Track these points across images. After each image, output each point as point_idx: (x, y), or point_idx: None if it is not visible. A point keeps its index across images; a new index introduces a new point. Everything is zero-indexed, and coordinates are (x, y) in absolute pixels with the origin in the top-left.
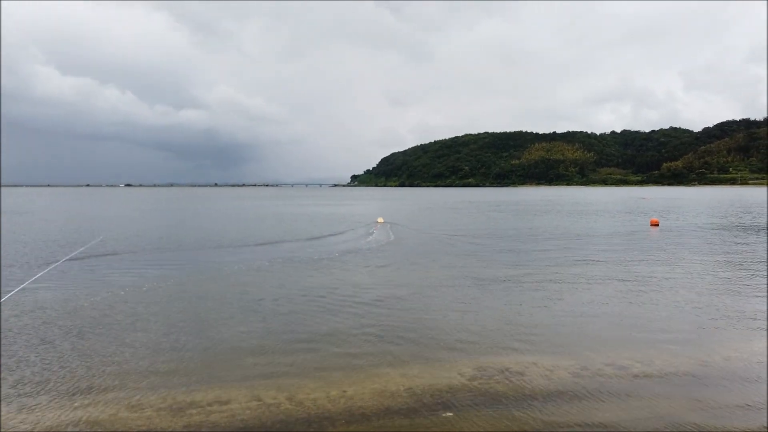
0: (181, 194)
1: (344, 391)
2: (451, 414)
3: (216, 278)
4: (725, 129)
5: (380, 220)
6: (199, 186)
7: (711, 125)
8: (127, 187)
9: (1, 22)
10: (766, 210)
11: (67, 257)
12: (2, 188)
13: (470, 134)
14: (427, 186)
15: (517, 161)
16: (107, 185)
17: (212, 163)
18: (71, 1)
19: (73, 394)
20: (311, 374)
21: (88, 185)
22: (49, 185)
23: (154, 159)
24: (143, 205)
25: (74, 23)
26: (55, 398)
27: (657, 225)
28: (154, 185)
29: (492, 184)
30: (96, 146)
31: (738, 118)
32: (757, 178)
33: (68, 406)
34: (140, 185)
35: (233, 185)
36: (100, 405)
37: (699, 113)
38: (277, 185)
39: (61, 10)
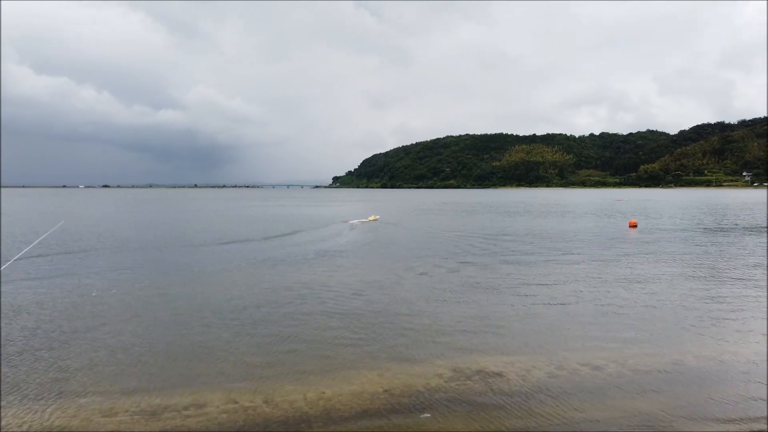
0: (160, 195)
1: (322, 393)
2: (428, 415)
3: (191, 279)
4: (700, 132)
5: (372, 217)
6: (178, 187)
7: (686, 128)
8: (105, 188)
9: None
10: (737, 212)
11: (21, 253)
12: None
13: (451, 136)
14: (409, 187)
15: (498, 163)
16: (84, 186)
17: (192, 164)
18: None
19: (44, 399)
20: (288, 376)
21: (64, 186)
22: (24, 186)
23: (133, 160)
24: (120, 205)
25: (49, 22)
26: (24, 403)
27: (635, 226)
28: (133, 186)
29: (473, 186)
30: (72, 147)
31: (710, 121)
32: (731, 180)
33: (39, 411)
34: (118, 186)
35: (213, 186)
36: (72, 410)
37: (673, 116)
38: (258, 186)
39: (35, 8)
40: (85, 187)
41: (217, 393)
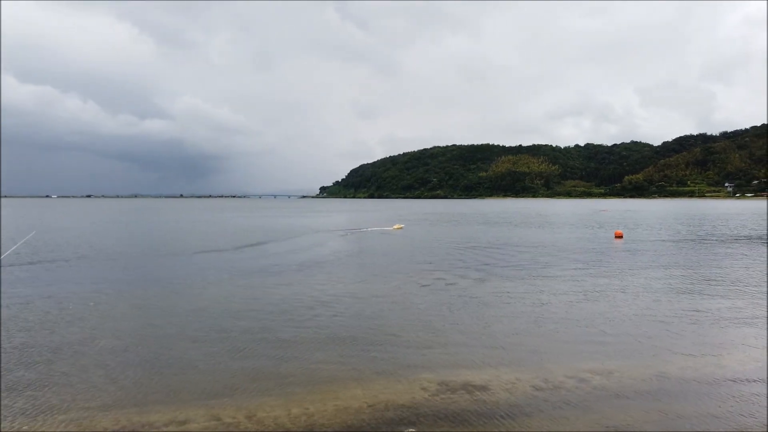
0: (144, 205)
1: (306, 409)
2: (413, 430)
3: (170, 291)
4: (683, 143)
5: (397, 226)
6: (164, 197)
7: (669, 140)
8: (89, 198)
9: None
10: (721, 223)
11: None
12: None
13: (438, 146)
14: (397, 197)
15: (485, 173)
16: (68, 196)
17: (178, 173)
18: (30, 1)
19: (17, 417)
20: (272, 392)
21: (47, 196)
22: (6, 196)
23: (118, 169)
24: (102, 215)
25: (34, 30)
26: None
27: (621, 237)
28: (117, 196)
29: (460, 196)
30: (56, 156)
31: (692, 133)
32: (714, 191)
33: (12, 430)
34: (103, 196)
35: (200, 196)
36: (47, 428)
37: (655, 128)
38: (245, 196)
39: (20, 16)
40: (58, 197)
41: (198, 409)
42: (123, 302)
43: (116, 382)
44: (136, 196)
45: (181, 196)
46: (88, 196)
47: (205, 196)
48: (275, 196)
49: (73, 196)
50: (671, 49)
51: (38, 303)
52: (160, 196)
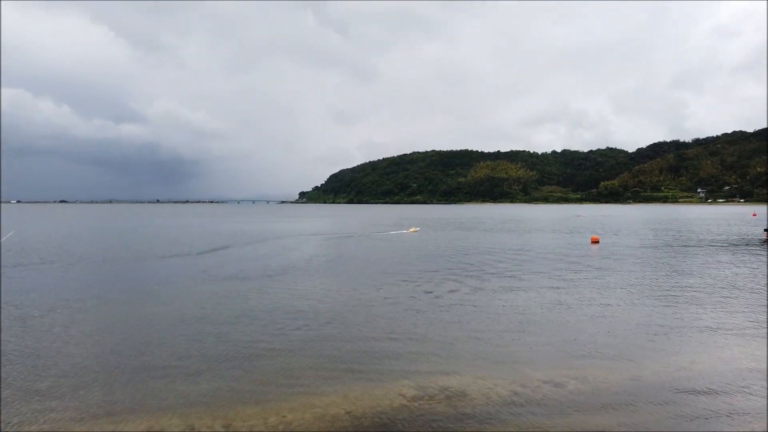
0: (118, 210)
1: (283, 417)
2: None
3: (142, 297)
4: (657, 150)
5: (413, 229)
6: (140, 202)
7: (643, 146)
8: (62, 204)
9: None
10: (693, 228)
11: None
12: None
13: (418, 152)
14: (376, 203)
15: (464, 179)
16: (41, 201)
17: (154, 178)
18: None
19: None
20: (248, 400)
21: (18, 201)
22: None
23: (92, 174)
24: (76, 221)
25: (5, 31)
26: None
27: (597, 242)
28: (92, 201)
29: (439, 201)
30: (28, 161)
31: (664, 139)
32: (686, 197)
33: None
34: (77, 201)
35: (176, 202)
36: None
37: (629, 134)
38: (223, 201)
39: None
40: (16, 202)
41: (173, 418)
42: (92, 309)
43: (87, 391)
44: (111, 202)
45: (158, 201)
46: (62, 201)
47: (182, 201)
48: (254, 202)
49: (46, 202)
50: (643, 57)
51: (3, 311)
52: (136, 202)
